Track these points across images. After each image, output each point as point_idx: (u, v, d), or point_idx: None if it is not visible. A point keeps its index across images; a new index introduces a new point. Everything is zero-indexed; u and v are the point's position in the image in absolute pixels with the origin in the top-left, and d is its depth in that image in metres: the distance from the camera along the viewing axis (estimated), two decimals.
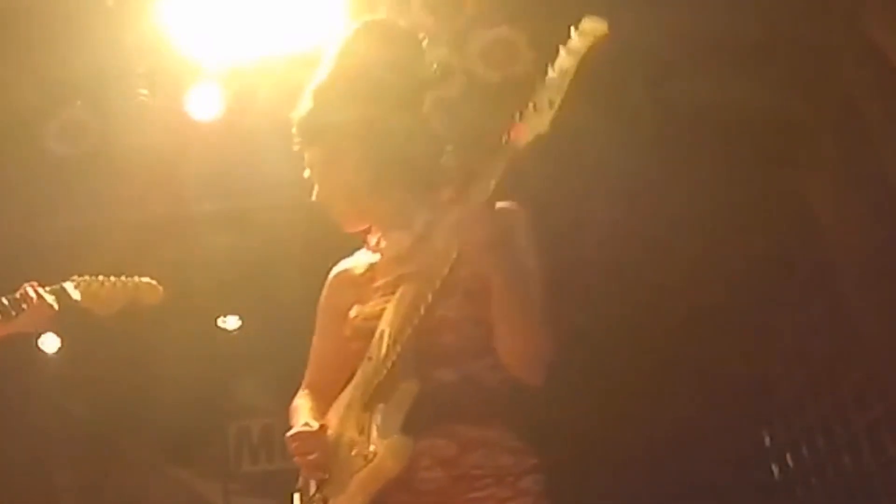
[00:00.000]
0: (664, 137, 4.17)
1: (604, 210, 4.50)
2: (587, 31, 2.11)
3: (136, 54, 3.87)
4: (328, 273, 2.43)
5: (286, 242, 4.72)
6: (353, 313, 2.20)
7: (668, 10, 3.81)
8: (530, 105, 2.08)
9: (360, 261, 2.33)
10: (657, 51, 3.96)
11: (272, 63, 3.93)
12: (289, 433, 2.21)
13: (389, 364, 2.03)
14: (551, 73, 2.07)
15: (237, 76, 3.99)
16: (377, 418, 2.03)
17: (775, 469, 5.44)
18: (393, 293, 2.13)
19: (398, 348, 2.02)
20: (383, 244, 2.26)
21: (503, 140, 2.12)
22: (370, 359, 2.10)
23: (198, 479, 6.26)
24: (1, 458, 4.81)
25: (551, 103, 2.09)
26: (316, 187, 2.31)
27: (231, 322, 5.64)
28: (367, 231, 2.33)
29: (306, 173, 2.32)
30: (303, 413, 2.28)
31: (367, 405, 2.07)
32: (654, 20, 3.86)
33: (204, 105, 4.01)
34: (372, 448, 2.00)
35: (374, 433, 2.01)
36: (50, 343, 5.36)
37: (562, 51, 2.08)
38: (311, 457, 2.15)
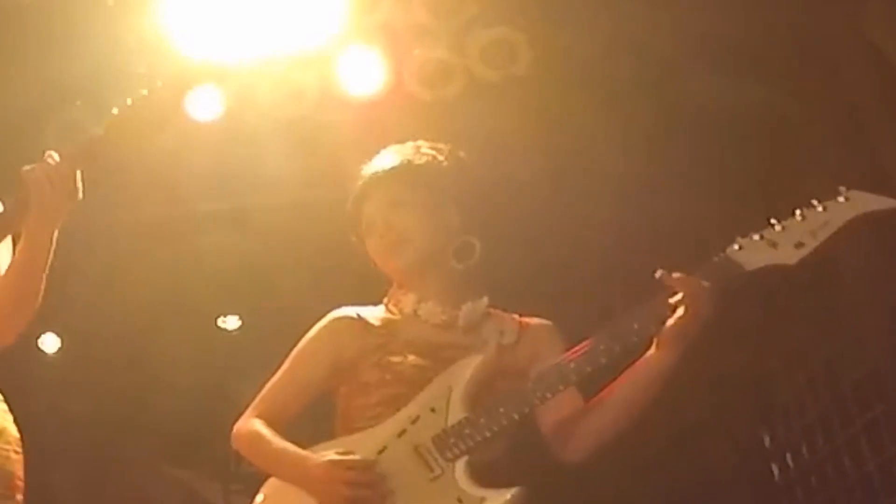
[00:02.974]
0: (664, 137, 4.17)
1: (604, 210, 4.51)
2: (864, 201, 2.26)
3: (136, 54, 3.87)
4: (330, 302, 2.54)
5: (286, 242, 4.72)
6: (387, 359, 2.36)
7: (668, 10, 3.82)
8: (763, 236, 2.27)
9: (370, 313, 2.48)
10: (657, 51, 3.96)
11: (272, 63, 3.93)
12: (340, 459, 2.24)
13: (479, 425, 2.21)
14: (807, 215, 2.25)
15: (237, 76, 3.99)
16: (461, 468, 2.20)
17: (775, 469, 5.43)
18: (440, 357, 2.34)
19: (490, 416, 2.22)
20: (419, 310, 2.43)
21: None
22: (434, 410, 2.26)
23: (198, 479, 6.26)
24: None
25: (800, 245, 2.26)
26: (404, 220, 2.44)
27: (231, 322, 5.64)
28: (391, 285, 2.51)
29: (389, 208, 2.45)
30: (289, 448, 2.34)
31: (447, 455, 2.22)
32: (654, 20, 3.86)
33: (204, 105, 4.01)
34: (478, 494, 2.16)
35: (465, 482, 2.18)
36: (50, 343, 5.37)
37: (835, 202, 2.26)
38: (362, 492, 2.19)
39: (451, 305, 2.42)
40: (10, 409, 2.46)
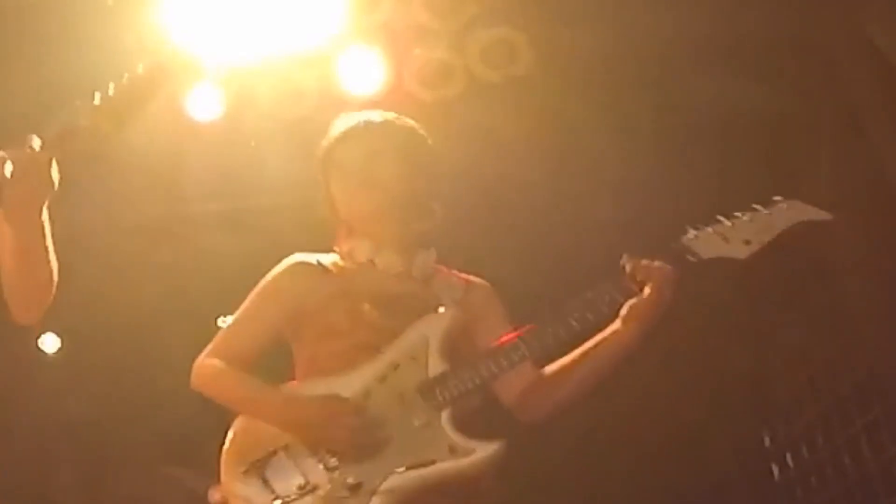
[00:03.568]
0: (664, 137, 4.17)
1: (604, 210, 4.50)
2: (800, 211, 2.51)
3: (136, 54, 3.86)
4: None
5: (286, 243, 4.71)
6: (355, 305, 2.43)
7: (668, 11, 3.82)
8: (715, 230, 2.45)
9: (327, 260, 2.56)
10: (657, 51, 3.96)
11: (272, 63, 3.93)
12: (337, 399, 2.30)
13: (463, 378, 2.31)
14: (754, 216, 2.48)
15: (237, 76, 3.99)
16: (446, 418, 2.28)
17: (775, 469, 5.43)
18: (402, 306, 2.43)
19: (474, 370, 2.32)
20: (378, 259, 2.51)
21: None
22: (414, 359, 2.34)
23: (198, 479, 6.25)
24: (0, 458, 4.81)
25: (748, 242, 2.45)
26: (379, 166, 2.54)
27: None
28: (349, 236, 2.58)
29: (356, 160, 2.56)
30: (266, 386, 2.40)
31: (433, 404, 2.29)
32: (654, 20, 3.86)
33: (204, 105, 4.01)
34: (468, 444, 2.25)
35: (452, 431, 2.27)
36: (50, 343, 5.37)
37: (777, 207, 2.50)
38: (365, 439, 2.25)
39: (406, 256, 2.53)
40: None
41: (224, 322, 5.57)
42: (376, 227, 2.54)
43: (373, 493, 2.22)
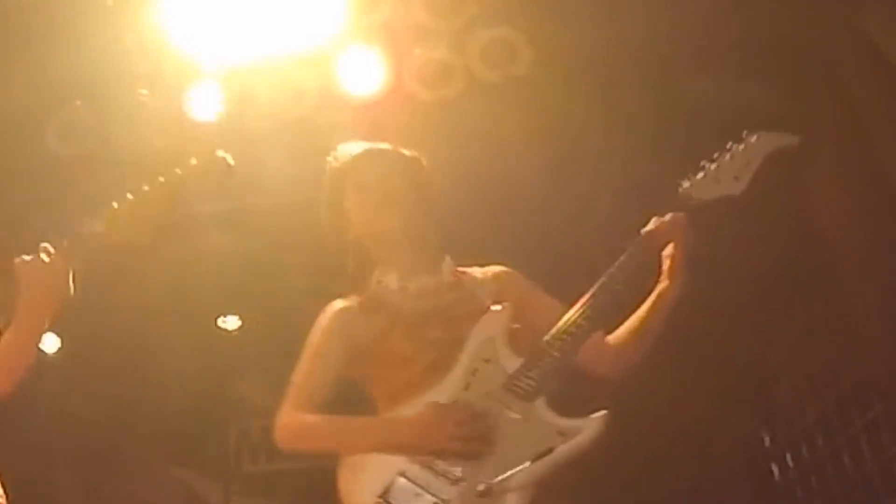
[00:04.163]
0: (664, 137, 4.17)
1: (604, 210, 4.50)
2: (770, 139, 2.61)
3: (136, 54, 3.86)
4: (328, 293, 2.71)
5: (286, 242, 4.72)
6: (412, 331, 2.54)
7: (668, 10, 3.82)
8: (705, 174, 2.62)
9: (357, 300, 2.66)
10: (657, 51, 3.96)
11: (272, 63, 3.93)
12: (439, 403, 2.38)
13: (543, 366, 2.40)
14: (733, 154, 2.62)
15: (237, 76, 3.99)
16: (543, 405, 2.36)
17: (775, 469, 5.43)
18: (449, 319, 2.55)
19: (549, 356, 2.42)
20: (410, 284, 2.62)
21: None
22: (488, 361, 2.44)
23: (198, 479, 6.26)
24: (0, 458, 4.80)
25: (737, 178, 2.60)
26: (394, 187, 2.67)
27: (231, 322, 5.63)
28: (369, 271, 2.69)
29: (382, 175, 2.69)
30: (350, 418, 2.49)
31: (524, 397, 2.37)
32: (654, 20, 3.86)
33: (204, 105, 4.01)
34: (573, 424, 2.34)
35: (553, 417, 2.35)
36: (50, 343, 5.36)
37: (749, 142, 2.61)
38: (477, 434, 2.31)
39: (431, 272, 2.65)
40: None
41: (224, 322, 5.61)
42: (396, 248, 2.64)
43: (505, 492, 2.27)
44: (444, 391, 2.43)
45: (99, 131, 3.96)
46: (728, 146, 2.63)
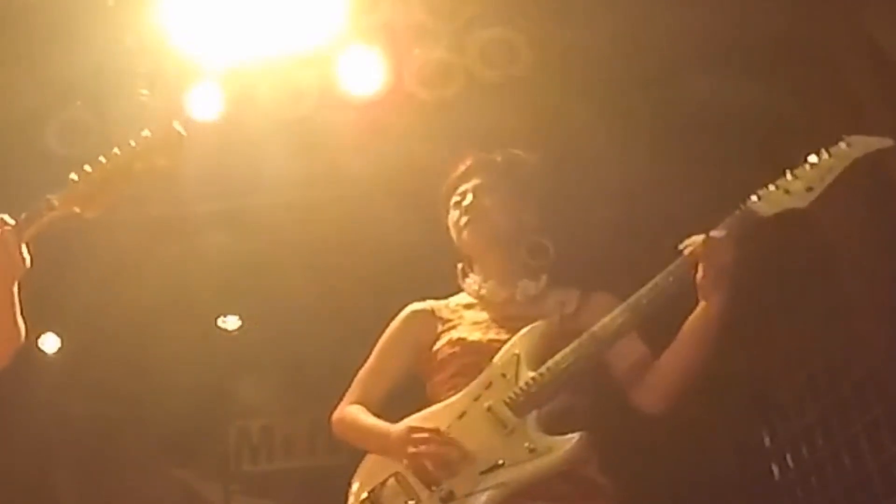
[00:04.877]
0: (664, 137, 4.17)
1: (604, 210, 4.50)
2: (863, 144, 2.55)
3: (136, 54, 3.87)
4: (397, 299, 2.84)
5: (286, 242, 4.72)
6: (456, 335, 2.65)
7: (668, 10, 3.81)
8: (777, 185, 2.58)
9: (443, 303, 2.78)
10: (657, 51, 3.96)
11: (272, 63, 3.93)
12: (416, 430, 2.48)
13: (542, 380, 2.46)
14: (816, 163, 2.57)
15: (237, 76, 3.99)
16: (532, 421, 2.44)
17: (775, 469, 5.43)
18: (506, 328, 2.61)
19: (553, 372, 2.47)
20: (483, 290, 2.73)
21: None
22: (504, 376, 2.51)
23: (198, 479, 6.26)
24: (1, 458, 4.81)
25: (810, 189, 2.55)
26: (488, 201, 2.74)
27: (231, 322, 5.63)
28: (466, 273, 2.80)
29: (471, 195, 2.76)
30: (373, 420, 2.62)
31: (518, 412, 2.44)
32: (654, 20, 3.86)
33: (204, 105, 4.01)
34: (547, 443, 2.39)
35: (535, 433, 2.42)
36: (50, 343, 5.36)
37: (838, 148, 2.56)
38: (444, 455, 2.41)
39: (509, 284, 2.71)
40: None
41: (224, 322, 5.61)
42: (487, 258, 2.75)
43: (467, 495, 2.38)
44: (459, 401, 2.54)
45: (99, 131, 3.96)
46: (816, 154, 2.58)
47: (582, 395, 2.59)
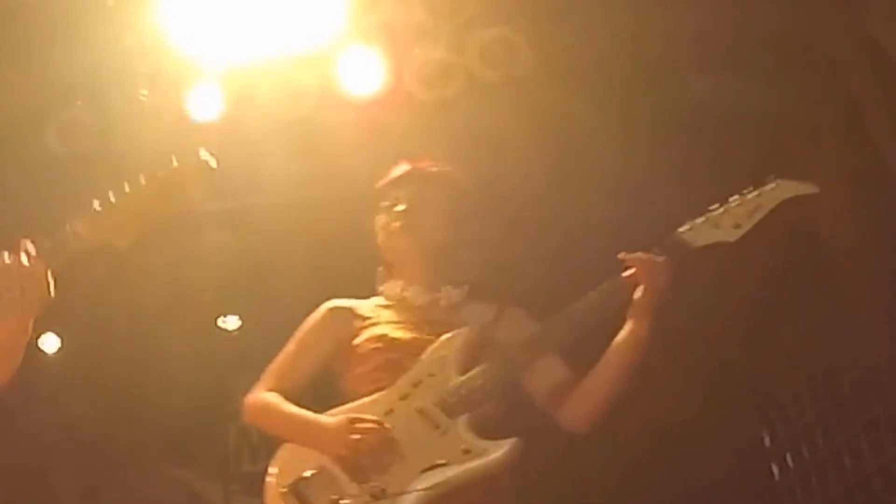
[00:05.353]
0: (664, 137, 4.17)
1: (604, 210, 4.50)
2: (789, 188, 2.62)
3: (136, 54, 3.86)
4: (325, 279, 2.96)
5: (286, 242, 4.72)
6: (379, 331, 2.67)
7: (667, 10, 3.82)
8: (707, 219, 2.63)
9: (361, 303, 2.80)
10: (657, 51, 3.96)
11: (272, 63, 3.93)
12: (359, 420, 2.49)
13: (474, 385, 2.50)
14: (744, 200, 2.62)
15: (237, 76, 3.99)
16: (463, 423, 2.47)
17: (775, 469, 5.43)
18: (426, 330, 2.65)
19: (485, 377, 2.51)
20: (406, 293, 2.75)
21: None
22: (432, 375, 2.55)
23: (198, 479, 6.26)
24: (1, 458, 4.81)
25: (738, 226, 2.60)
26: (416, 213, 2.77)
27: (231, 322, 5.63)
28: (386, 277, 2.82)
29: (401, 205, 2.78)
30: (298, 410, 2.62)
31: (450, 413, 2.49)
32: (653, 20, 3.86)
33: (204, 105, 4.01)
34: (482, 445, 2.43)
35: (468, 435, 2.46)
36: (50, 343, 5.36)
37: (764, 189, 2.62)
38: (382, 450, 2.43)
39: (434, 289, 2.75)
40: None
41: (224, 322, 5.61)
42: (414, 264, 2.77)
43: (396, 496, 2.39)
44: (384, 398, 2.56)
45: (99, 131, 3.96)
46: (744, 191, 2.63)
47: (507, 403, 2.62)
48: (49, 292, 2.14)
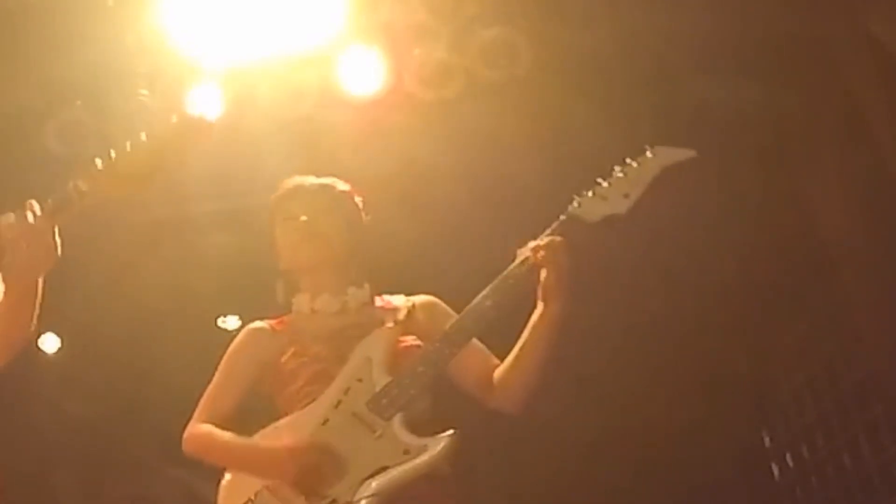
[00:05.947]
0: (664, 137, 4.17)
1: None
2: (666, 154, 2.68)
3: (136, 54, 3.86)
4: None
5: None
6: (301, 346, 2.72)
7: (668, 10, 3.82)
8: (594, 192, 2.67)
9: (276, 322, 2.85)
10: (657, 51, 3.96)
11: (272, 63, 3.93)
12: (282, 447, 2.53)
13: (402, 383, 2.53)
14: (626, 172, 2.66)
15: (237, 76, 3.99)
16: (398, 423, 2.49)
17: (775, 469, 5.43)
18: (345, 336, 2.69)
19: (412, 374, 2.54)
20: (315, 303, 2.80)
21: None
22: (360, 380, 2.57)
23: (197, 479, 6.25)
24: (0, 458, 4.80)
25: (626, 196, 2.64)
26: (322, 219, 2.82)
27: (231, 322, 5.63)
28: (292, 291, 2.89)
29: (305, 216, 2.84)
30: (239, 439, 2.66)
31: (383, 415, 2.51)
32: (654, 20, 3.86)
33: (204, 105, 4.01)
34: (420, 443, 2.45)
35: (404, 435, 2.48)
36: (50, 343, 5.36)
37: (644, 157, 2.68)
38: (324, 464, 2.47)
39: (340, 295, 2.79)
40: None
41: (224, 322, 5.61)
42: (315, 276, 2.82)
43: (349, 502, 2.42)
44: (317, 409, 2.58)
45: (99, 131, 3.96)
46: (624, 162, 2.68)
47: (433, 396, 2.65)
48: (55, 248, 2.15)
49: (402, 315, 2.73)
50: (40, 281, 2.22)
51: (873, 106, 3.85)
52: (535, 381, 2.64)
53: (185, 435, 2.75)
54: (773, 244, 4.76)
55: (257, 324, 2.87)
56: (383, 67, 3.96)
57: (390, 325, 2.68)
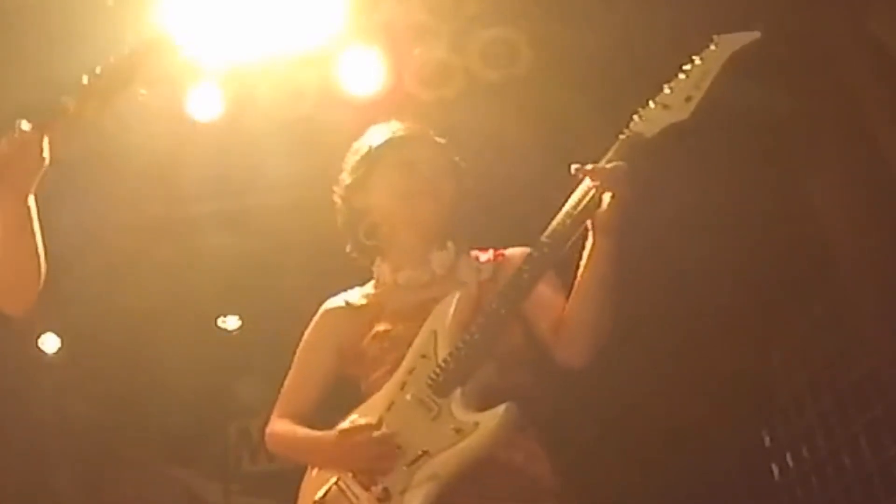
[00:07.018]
0: (664, 137, 4.16)
1: None
2: (730, 41, 2.48)
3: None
4: (326, 278, 2.67)
5: (286, 242, 4.72)
6: (382, 328, 2.47)
7: (668, 10, 3.81)
8: (656, 102, 2.47)
9: (356, 296, 2.61)
10: (657, 51, 3.96)
11: (272, 63, 3.93)
12: (346, 433, 2.34)
13: (460, 354, 2.27)
14: (689, 71, 2.46)
15: (237, 76, 3.99)
16: (455, 399, 2.25)
17: (775, 469, 5.43)
18: (424, 311, 2.40)
19: (467, 343, 2.28)
20: (398, 277, 2.53)
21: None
22: (424, 356, 2.33)
23: (198, 479, 6.26)
24: (1, 458, 4.81)
25: (689, 99, 2.44)
26: (429, 173, 2.55)
27: (231, 322, 5.64)
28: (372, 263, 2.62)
29: (408, 161, 2.57)
30: (304, 433, 2.47)
31: (440, 392, 2.27)
32: (654, 20, 3.86)
33: (204, 105, 4.01)
34: (473, 420, 2.21)
35: (461, 412, 2.23)
36: (50, 343, 5.37)
37: (708, 51, 2.47)
38: (379, 455, 2.28)
39: (423, 264, 2.53)
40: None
41: (224, 322, 5.61)
42: (404, 237, 2.56)
43: (402, 492, 2.24)
44: (386, 393, 2.38)
45: (99, 131, 3.96)
46: (688, 64, 2.45)
47: (515, 365, 2.40)
48: (44, 157, 2.21)
49: (485, 274, 2.49)
50: (32, 205, 2.24)
51: (873, 106, 3.85)
52: (601, 329, 2.38)
53: (266, 434, 2.57)
54: (774, 244, 4.76)
55: (333, 302, 2.62)
56: (383, 67, 3.96)
57: (463, 289, 2.41)
